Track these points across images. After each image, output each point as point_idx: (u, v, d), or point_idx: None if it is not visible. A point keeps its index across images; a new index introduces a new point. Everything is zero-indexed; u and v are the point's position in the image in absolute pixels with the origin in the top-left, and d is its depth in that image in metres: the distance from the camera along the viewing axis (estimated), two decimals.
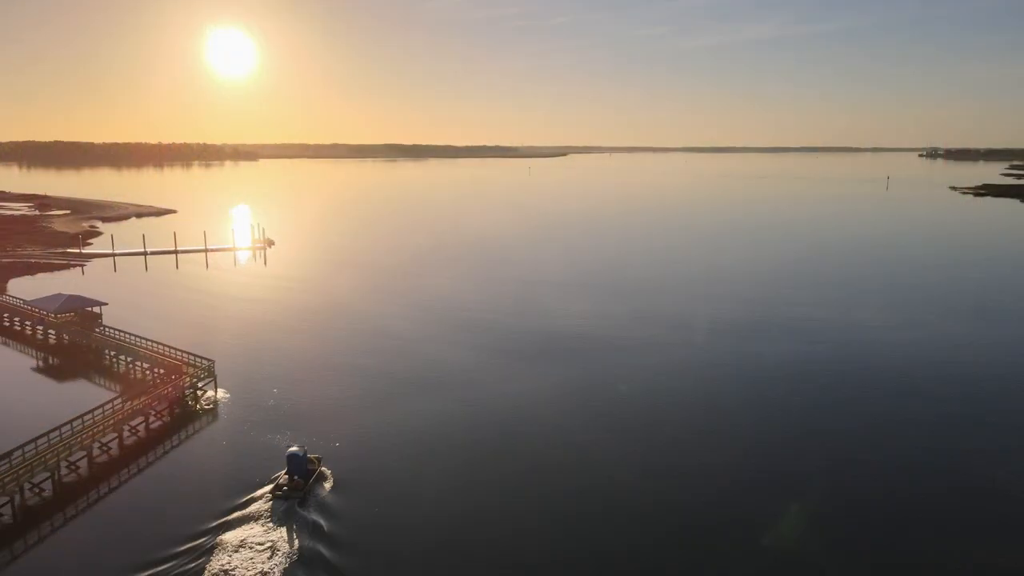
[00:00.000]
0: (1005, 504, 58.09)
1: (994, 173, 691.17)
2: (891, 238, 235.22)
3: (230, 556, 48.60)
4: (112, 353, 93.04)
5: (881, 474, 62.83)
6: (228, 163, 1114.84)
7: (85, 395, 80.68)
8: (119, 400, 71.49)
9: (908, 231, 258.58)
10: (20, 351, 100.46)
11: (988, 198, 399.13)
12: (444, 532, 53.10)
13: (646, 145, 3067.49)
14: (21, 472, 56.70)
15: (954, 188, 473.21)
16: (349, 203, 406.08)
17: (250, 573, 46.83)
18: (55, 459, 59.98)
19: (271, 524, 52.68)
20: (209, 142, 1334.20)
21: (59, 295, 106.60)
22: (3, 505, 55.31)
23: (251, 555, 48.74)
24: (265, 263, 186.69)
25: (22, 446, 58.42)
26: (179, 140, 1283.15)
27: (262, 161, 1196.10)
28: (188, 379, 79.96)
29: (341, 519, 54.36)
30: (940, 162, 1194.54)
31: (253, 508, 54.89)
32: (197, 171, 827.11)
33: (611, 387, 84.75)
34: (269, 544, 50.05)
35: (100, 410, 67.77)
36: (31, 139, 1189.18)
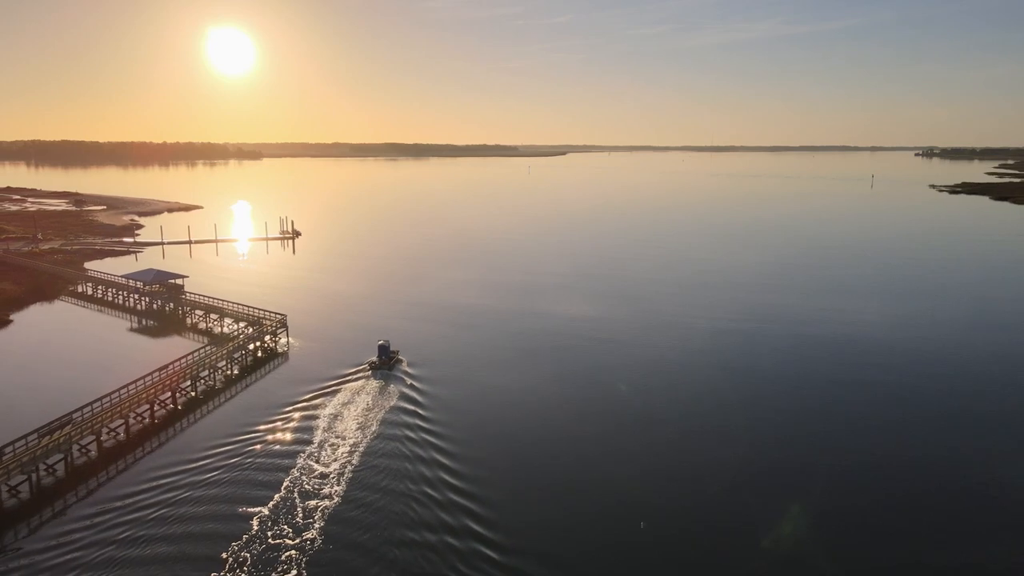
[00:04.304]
0: (1005, 504, 59.12)
1: (981, 172, 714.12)
2: (867, 233, 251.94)
3: (354, 394, 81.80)
4: (200, 313, 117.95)
5: (881, 474, 64.08)
6: (232, 162, 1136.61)
7: (186, 342, 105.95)
8: (212, 346, 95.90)
9: (880, 226, 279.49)
10: (121, 316, 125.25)
11: (962, 195, 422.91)
12: (476, 396, 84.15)
13: (646, 144, 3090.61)
14: (175, 379, 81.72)
15: (933, 186, 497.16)
16: (358, 199, 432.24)
17: (370, 401, 79.62)
18: (193, 372, 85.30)
19: (376, 380, 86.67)
20: (212, 141, 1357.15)
21: (150, 270, 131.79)
22: (156, 409, 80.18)
23: (369, 394, 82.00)
24: (294, 252, 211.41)
25: (168, 364, 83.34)
26: (181, 139, 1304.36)
27: (266, 160, 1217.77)
28: (268, 328, 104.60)
29: (420, 379, 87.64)
30: (936, 161, 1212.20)
31: (361, 373, 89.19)
32: (205, 170, 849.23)
33: (612, 386, 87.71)
34: (379, 387, 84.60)
35: (210, 347, 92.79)
36: (33, 138, 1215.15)
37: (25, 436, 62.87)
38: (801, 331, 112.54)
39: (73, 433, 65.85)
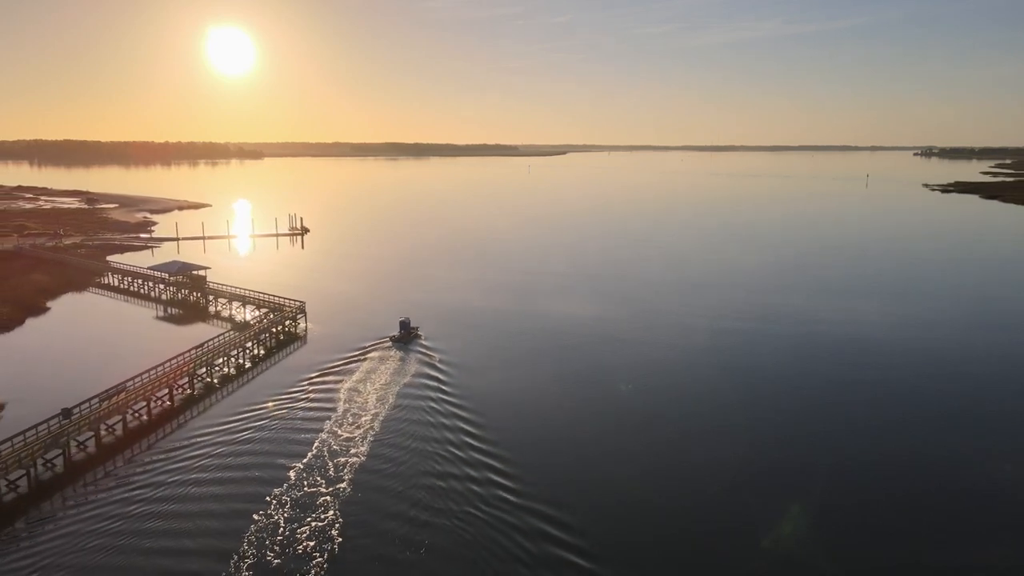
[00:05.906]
0: (1005, 504, 59.77)
1: (977, 171, 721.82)
2: (864, 232, 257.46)
3: (379, 363, 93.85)
4: (224, 301, 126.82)
5: (881, 474, 64.91)
6: (234, 161, 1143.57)
7: (213, 327, 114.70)
8: (233, 332, 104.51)
9: (874, 225, 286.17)
10: (150, 304, 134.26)
11: (954, 194, 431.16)
12: (485, 366, 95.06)
13: (646, 144, 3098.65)
14: (200, 361, 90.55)
15: (926, 185, 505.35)
16: (360, 198, 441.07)
17: (393, 367, 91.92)
18: (224, 351, 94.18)
19: (396, 351, 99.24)
20: (213, 141, 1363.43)
21: (175, 262, 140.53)
22: (195, 382, 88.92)
23: (392, 362, 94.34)
24: (303, 247, 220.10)
25: (202, 344, 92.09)
26: (183, 139, 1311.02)
27: (267, 160, 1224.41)
28: (288, 313, 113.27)
29: (438, 351, 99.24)
30: (934, 160, 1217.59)
31: (383, 344, 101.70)
32: (207, 169, 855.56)
33: (613, 385, 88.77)
34: (400, 356, 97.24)
35: (234, 331, 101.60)
36: (35, 138, 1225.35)
37: (88, 400, 71.89)
38: (801, 331, 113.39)
39: (128, 399, 74.77)
